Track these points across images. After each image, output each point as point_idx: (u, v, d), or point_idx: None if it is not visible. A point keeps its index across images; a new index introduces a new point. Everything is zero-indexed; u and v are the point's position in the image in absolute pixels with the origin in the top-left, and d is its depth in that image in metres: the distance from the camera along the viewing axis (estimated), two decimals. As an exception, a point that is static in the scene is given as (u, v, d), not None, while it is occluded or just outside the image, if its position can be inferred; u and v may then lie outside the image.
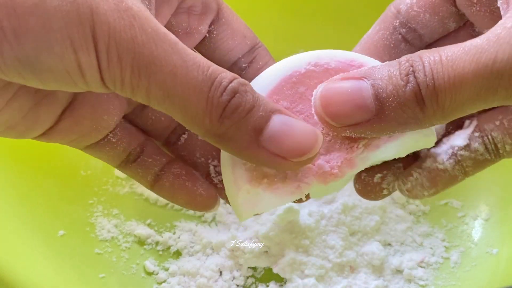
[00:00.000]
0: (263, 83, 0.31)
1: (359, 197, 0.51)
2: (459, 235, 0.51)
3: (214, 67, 0.26)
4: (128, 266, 0.49)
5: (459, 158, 0.31)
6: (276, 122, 0.26)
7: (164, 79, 0.24)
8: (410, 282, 0.48)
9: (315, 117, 0.28)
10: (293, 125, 0.27)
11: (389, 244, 0.50)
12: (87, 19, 0.23)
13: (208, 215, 0.52)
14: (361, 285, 0.47)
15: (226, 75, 0.26)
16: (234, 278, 0.48)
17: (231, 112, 0.25)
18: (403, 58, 0.26)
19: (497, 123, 0.30)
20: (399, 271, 0.49)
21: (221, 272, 0.48)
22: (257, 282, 0.48)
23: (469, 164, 0.31)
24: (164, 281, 0.48)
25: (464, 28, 0.33)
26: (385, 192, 0.34)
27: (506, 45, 0.23)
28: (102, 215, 0.51)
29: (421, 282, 0.48)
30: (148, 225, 0.52)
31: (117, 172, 0.54)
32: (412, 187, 0.32)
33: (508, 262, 0.46)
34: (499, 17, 0.26)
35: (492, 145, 0.30)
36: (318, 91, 0.28)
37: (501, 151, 0.30)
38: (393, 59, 0.27)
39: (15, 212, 0.47)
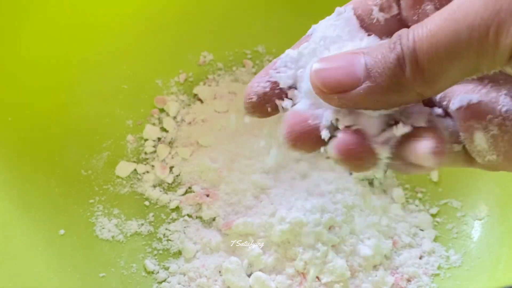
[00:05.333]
0: None
1: (359, 197, 0.52)
2: (459, 235, 0.51)
3: None
4: (128, 265, 0.49)
5: None
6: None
7: None
8: (410, 281, 0.48)
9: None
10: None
11: (389, 244, 0.50)
12: None
13: (208, 216, 0.52)
14: (361, 284, 0.47)
15: None
16: (234, 277, 0.48)
17: None
18: (397, 32, 0.28)
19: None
20: (398, 271, 0.49)
21: (221, 272, 0.49)
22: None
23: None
24: (164, 280, 0.49)
25: None
26: None
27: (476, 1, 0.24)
28: (103, 214, 0.51)
29: (421, 282, 0.48)
30: (149, 224, 0.52)
31: (118, 172, 0.54)
32: None
33: (507, 262, 0.46)
34: None
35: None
36: (317, 60, 0.29)
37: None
38: None
39: (16, 211, 0.47)
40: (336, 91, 0.28)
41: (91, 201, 0.52)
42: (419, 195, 0.54)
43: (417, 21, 0.29)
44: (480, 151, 0.28)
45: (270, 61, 0.61)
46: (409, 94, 0.27)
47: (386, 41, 0.27)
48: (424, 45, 0.25)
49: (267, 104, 0.32)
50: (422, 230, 0.52)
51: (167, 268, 0.49)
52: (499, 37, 0.24)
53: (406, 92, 0.27)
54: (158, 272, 0.49)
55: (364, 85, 0.27)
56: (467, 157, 0.29)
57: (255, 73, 0.60)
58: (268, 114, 0.33)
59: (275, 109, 0.32)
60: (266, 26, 0.60)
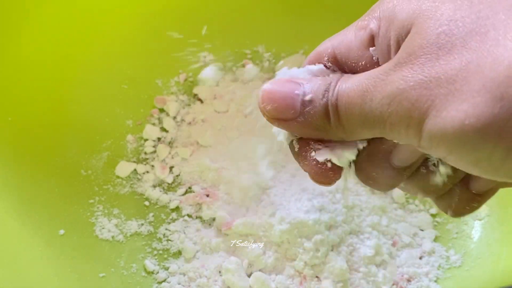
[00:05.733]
0: None
1: (359, 197, 0.52)
2: (459, 235, 0.51)
3: None
4: (128, 266, 0.49)
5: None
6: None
7: None
8: (410, 281, 0.48)
9: None
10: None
11: (389, 244, 0.50)
12: None
13: (208, 216, 0.52)
14: (361, 284, 0.47)
15: None
16: (234, 277, 0.48)
17: None
18: (331, 76, 0.31)
19: None
20: (398, 271, 0.49)
21: (221, 272, 0.49)
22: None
23: None
24: (164, 281, 0.49)
25: None
26: None
27: (378, 92, 0.27)
28: (103, 214, 0.51)
29: (421, 282, 0.48)
30: (149, 224, 0.52)
31: (118, 172, 0.54)
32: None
33: (507, 262, 0.46)
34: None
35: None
36: (264, 85, 0.32)
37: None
38: None
39: (15, 211, 0.47)
40: (276, 118, 0.31)
41: (91, 201, 0.52)
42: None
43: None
44: None
45: (270, 61, 0.61)
46: (335, 136, 0.31)
47: (323, 81, 0.30)
48: (343, 104, 0.29)
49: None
50: (422, 230, 0.52)
51: (167, 268, 0.49)
52: (393, 133, 0.27)
53: (332, 135, 0.31)
54: (158, 272, 0.49)
55: (299, 119, 0.31)
56: None
57: (255, 73, 0.60)
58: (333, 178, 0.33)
59: (336, 172, 0.33)
60: (266, 26, 0.60)
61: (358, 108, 0.28)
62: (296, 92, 0.31)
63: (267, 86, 0.32)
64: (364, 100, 0.28)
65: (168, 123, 0.57)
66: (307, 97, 0.30)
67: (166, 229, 0.51)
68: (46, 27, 0.52)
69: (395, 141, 0.29)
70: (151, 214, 0.52)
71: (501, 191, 0.50)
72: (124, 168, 0.54)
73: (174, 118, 0.57)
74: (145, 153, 0.55)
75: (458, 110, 0.24)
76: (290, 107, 0.31)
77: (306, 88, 0.31)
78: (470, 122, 0.24)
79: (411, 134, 0.26)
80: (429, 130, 0.25)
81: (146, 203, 0.53)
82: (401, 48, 0.28)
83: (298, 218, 0.48)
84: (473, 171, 0.26)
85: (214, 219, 0.52)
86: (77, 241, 0.49)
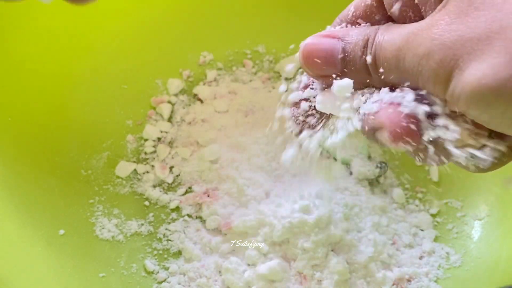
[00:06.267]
0: None
1: (359, 197, 0.52)
2: (459, 235, 0.51)
3: None
4: (128, 266, 0.49)
5: None
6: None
7: None
8: (410, 281, 0.48)
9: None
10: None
11: (389, 244, 0.50)
12: None
13: (208, 216, 0.52)
14: (361, 284, 0.47)
15: None
16: (234, 277, 0.48)
17: None
18: (367, 30, 0.32)
19: None
20: (398, 271, 0.49)
21: (221, 272, 0.49)
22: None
23: None
24: (164, 281, 0.49)
25: None
26: None
27: (409, 51, 0.29)
28: (103, 214, 0.51)
29: (421, 282, 0.48)
30: (149, 224, 0.52)
31: (118, 172, 0.54)
32: None
33: (507, 262, 0.46)
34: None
35: None
36: (303, 43, 0.34)
37: None
38: None
39: (15, 211, 0.47)
40: (319, 75, 0.34)
41: (91, 201, 0.52)
42: (419, 195, 0.54)
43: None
44: None
45: (270, 61, 0.61)
46: (377, 85, 0.32)
47: (361, 33, 0.32)
48: (381, 62, 0.31)
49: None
50: (422, 230, 0.52)
51: (167, 268, 0.49)
52: (425, 87, 0.30)
53: (375, 84, 0.33)
54: (158, 272, 0.49)
55: (341, 75, 0.33)
56: None
57: (255, 73, 0.60)
58: None
59: None
60: (266, 26, 0.60)
61: (394, 65, 0.30)
62: (336, 48, 0.33)
63: (307, 43, 0.34)
64: (398, 58, 0.30)
65: (163, 125, 0.57)
66: (347, 55, 0.32)
67: (166, 229, 0.51)
68: (46, 27, 0.52)
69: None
70: (151, 214, 0.52)
71: (501, 191, 0.50)
72: (124, 168, 0.54)
73: (169, 120, 0.57)
74: (145, 153, 0.56)
75: (477, 69, 0.26)
76: (332, 65, 0.33)
77: (344, 44, 0.33)
78: (486, 82, 0.26)
79: (438, 89, 0.29)
80: (452, 87, 0.28)
81: (146, 203, 0.53)
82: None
83: (298, 218, 0.48)
84: (490, 126, 0.28)
85: (213, 220, 0.51)
86: (77, 241, 0.49)
